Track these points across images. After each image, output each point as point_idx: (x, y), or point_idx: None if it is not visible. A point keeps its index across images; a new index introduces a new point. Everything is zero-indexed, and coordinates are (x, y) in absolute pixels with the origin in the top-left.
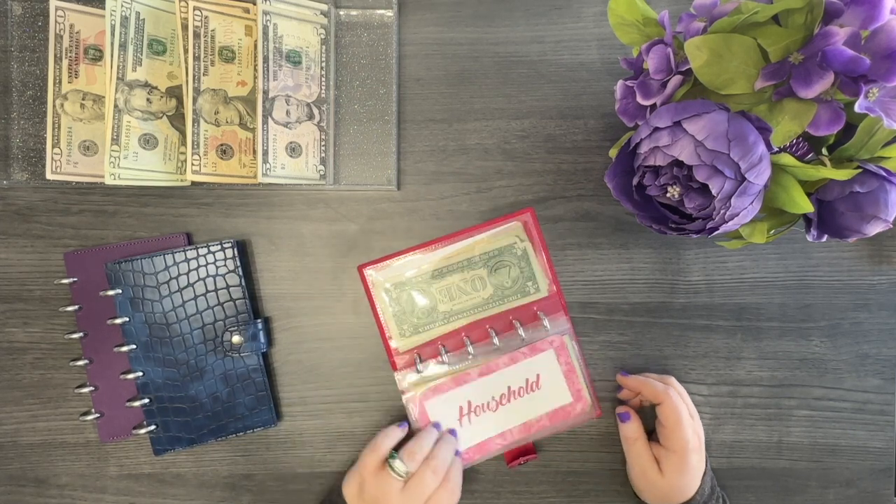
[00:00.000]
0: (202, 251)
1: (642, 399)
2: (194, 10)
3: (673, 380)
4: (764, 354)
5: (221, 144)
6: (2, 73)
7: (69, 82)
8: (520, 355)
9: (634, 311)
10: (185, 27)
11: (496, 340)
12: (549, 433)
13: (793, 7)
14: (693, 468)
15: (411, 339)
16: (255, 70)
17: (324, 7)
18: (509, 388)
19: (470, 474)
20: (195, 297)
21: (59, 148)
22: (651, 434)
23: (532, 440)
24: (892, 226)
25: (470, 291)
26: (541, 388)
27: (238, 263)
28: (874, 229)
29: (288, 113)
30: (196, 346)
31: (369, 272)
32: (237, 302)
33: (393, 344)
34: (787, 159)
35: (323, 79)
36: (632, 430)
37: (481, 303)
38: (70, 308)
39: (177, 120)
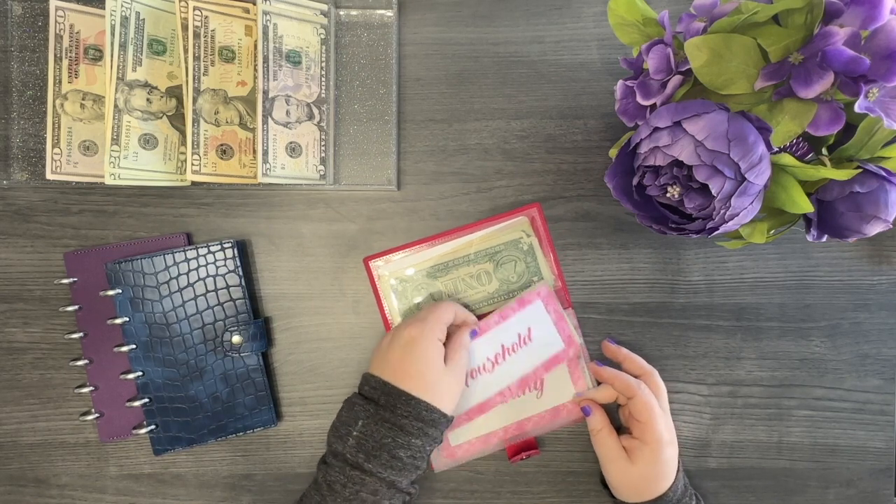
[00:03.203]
0: (202, 251)
1: (618, 398)
2: (194, 10)
3: (654, 374)
4: (764, 354)
5: (221, 144)
6: (2, 73)
7: (69, 82)
8: (509, 311)
9: (634, 311)
10: (185, 27)
11: None
12: (549, 430)
13: (793, 7)
14: (666, 461)
15: None
16: (255, 70)
17: (324, 7)
18: (503, 346)
19: (470, 474)
20: (195, 297)
21: (59, 148)
22: (619, 430)
23: (533, 435)
24: (892, 226)
25: (475, 286)
26: (533, 340)
27: (238, 263)
28: (874, 229)
29: (288, 113)
30: (196, 346)
31: (376, 264)
32: (237, 302)
33: None
34: (787, 159)
35: (323, 79)
36: (595, 422)
37: (486, 297)
38: (70, 308)
39: (177, 120)
